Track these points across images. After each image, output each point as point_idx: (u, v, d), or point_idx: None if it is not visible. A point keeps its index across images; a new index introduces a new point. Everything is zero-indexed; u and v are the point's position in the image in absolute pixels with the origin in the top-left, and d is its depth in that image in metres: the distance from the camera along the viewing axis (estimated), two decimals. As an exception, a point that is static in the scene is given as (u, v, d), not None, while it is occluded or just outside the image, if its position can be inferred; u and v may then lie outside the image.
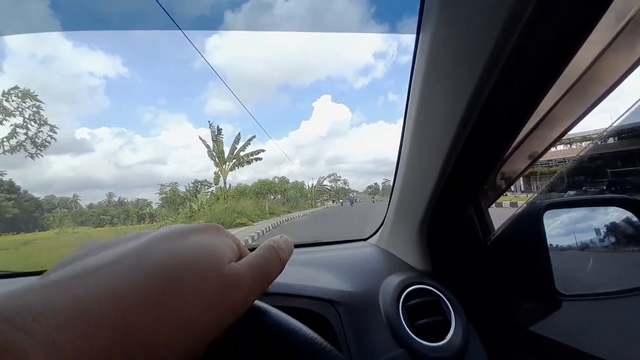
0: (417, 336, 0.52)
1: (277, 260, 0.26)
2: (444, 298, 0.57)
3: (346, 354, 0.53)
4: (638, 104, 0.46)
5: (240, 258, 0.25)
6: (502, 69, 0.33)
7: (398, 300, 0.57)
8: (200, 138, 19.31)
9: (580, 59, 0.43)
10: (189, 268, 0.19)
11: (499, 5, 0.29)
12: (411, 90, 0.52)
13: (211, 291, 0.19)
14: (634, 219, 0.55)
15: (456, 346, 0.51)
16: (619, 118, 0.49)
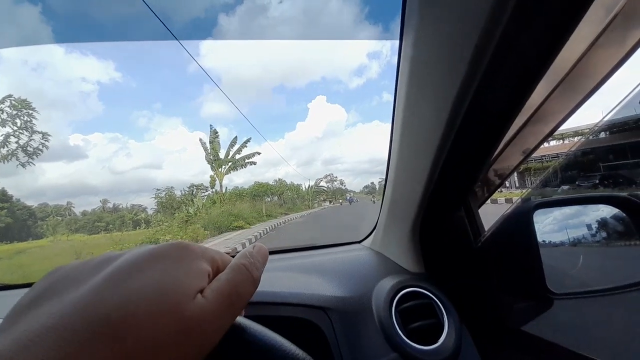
0: (410, 339, 0.52)
1: (249, 281, 0.24)
2: (437, 300, 0.57)
3: None
4: (628, 97, 0.46)
5: (217, 273, 0.23)
6: (484, 70, 0.32)
7: (391, 304, 0.56)
8: (201, 140, 19.20)
9: (569, 54, 0.43)
10: (144, 316, 0.18)
11: (480, 6, 0.29)
12: (397, 95, 0.52)
13: (170, 340, 0.18)
14: (623, 215, 0.55)
15: (449, 349, 0.51)
16: (609, 112, 0.48)
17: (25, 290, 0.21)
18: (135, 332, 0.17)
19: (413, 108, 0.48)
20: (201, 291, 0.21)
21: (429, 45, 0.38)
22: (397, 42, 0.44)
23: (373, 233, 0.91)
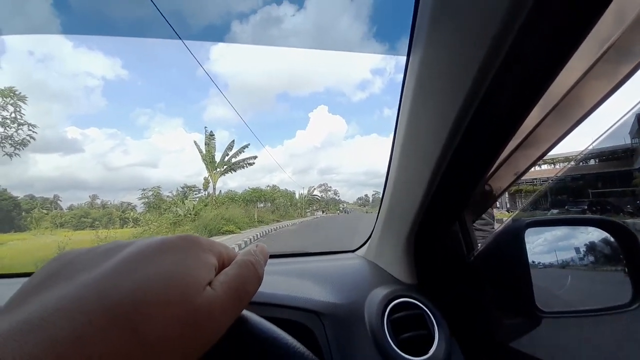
0: (401, 350, 0.52)
1: (255, 277, 0.25)
2: (428, 312, 0.57)
3: None
4: (614, 126, 0.48)
5: (223, 267, 0.24)
6: (485, 92, 0.34)
7: (383, 314, 0.56)
8: (195, 142, 19.18)
9: (563, 83, 0.45)
10: (155, 304, 0.18)
11: (484, 32, 0.31)
12: (401, 109, 0.54)
13: (179, 330, 0.18)
14: (611, 239, 0.57)
15: None
16: (596, 140, 0.51)
17: (19, 279, 0.21)
18: (147, 320, 0.17)
19: (415, 123, 0.50)
20: (209, 284, 0.21)
21: (435, 65, 0.40)
22: (404, 58, 0.47)
23: (367, 243, 0.92)
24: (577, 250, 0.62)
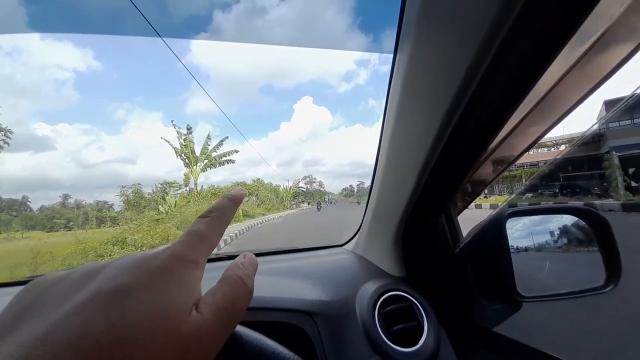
0: (392, 342, 0.53)
1: (245, 293, 0.23)
2: (417, 304, 0.59)
3: None
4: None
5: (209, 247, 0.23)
6: (474, 89, 0.35)
7: (374, 308, 0.57)
8: (163, 138, 18.62)
9: (550, 77, 0.46)
10: (137, 341, 0.17)
11: (473, 31, 0.31)
12: (388, 105, 0.53)
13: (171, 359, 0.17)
14: (585, 226, 0.60)
15: (428, 350, 0.53)
16: (589, 128, 0.51)
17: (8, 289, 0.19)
18: (137, 356, 0.16)
19: (404, 120, 0.49)
20: (196, 305, 0.20)
21: (423, 62, 0.40)
22: (391, 55, 0.46)
23: (356, 237, 0.93)
24: (552, 237, 0.65)
